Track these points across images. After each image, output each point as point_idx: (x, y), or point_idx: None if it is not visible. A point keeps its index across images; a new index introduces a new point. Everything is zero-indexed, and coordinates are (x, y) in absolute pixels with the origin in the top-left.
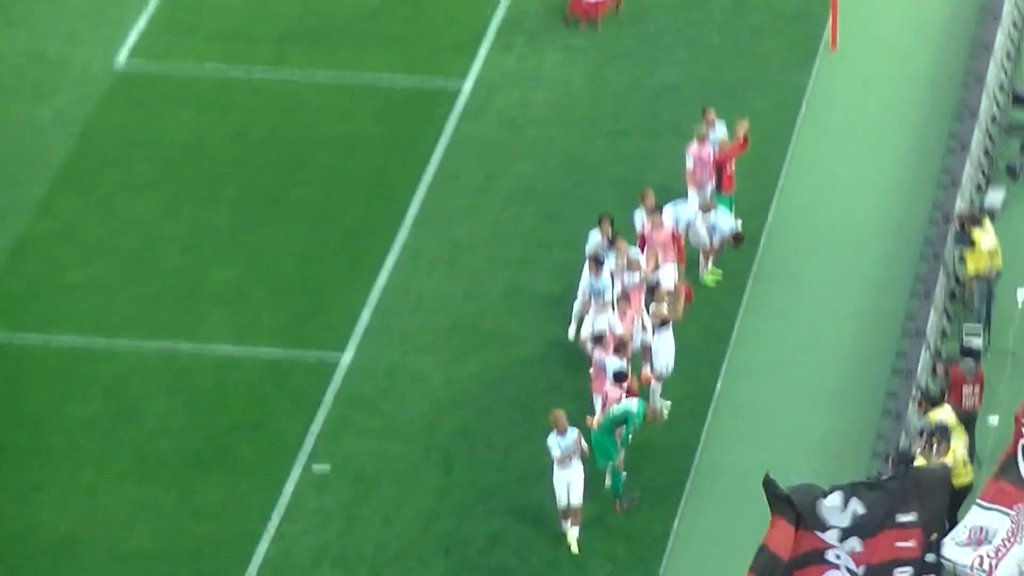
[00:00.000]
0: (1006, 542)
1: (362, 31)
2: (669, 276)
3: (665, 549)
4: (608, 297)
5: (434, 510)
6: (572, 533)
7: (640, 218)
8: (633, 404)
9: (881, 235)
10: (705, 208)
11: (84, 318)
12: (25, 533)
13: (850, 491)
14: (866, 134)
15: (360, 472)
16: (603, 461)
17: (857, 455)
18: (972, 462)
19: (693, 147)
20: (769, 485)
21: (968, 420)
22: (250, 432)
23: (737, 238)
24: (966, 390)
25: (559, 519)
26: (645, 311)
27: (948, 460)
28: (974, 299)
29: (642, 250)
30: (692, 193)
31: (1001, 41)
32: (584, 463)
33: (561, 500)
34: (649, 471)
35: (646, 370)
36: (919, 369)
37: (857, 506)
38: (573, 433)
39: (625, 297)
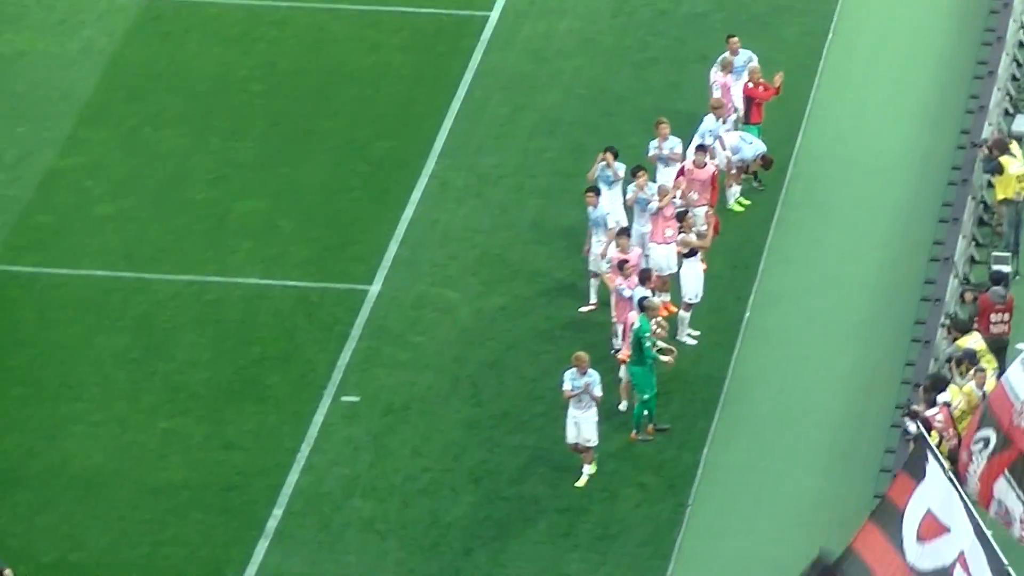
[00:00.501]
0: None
1: None
2: (700, 216)
3: (694, 478)
4: (610, 225)
5: (463, 441)
6: (585, 470)
7: (654, 147)
8: (636, 320)
9: (909, 162)
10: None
11: (113, 251)
12: (56, 466)
13: None
14: (894, 61)
15: (389, 403)
16: (643, 391)
17: (887, 383)
18: None
19: (718, 75)
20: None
21: (998, 347)
22: (279, 364)
23: (766, 161)
24: (995, 317)
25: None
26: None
27: (977, 388)
28: (1003, 225)
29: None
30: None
31: None
32: (599, 407)
33: (569, 436)
34: (678, 401)
35: (665, 299)
36: (947, 296)
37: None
38: (592, 376)
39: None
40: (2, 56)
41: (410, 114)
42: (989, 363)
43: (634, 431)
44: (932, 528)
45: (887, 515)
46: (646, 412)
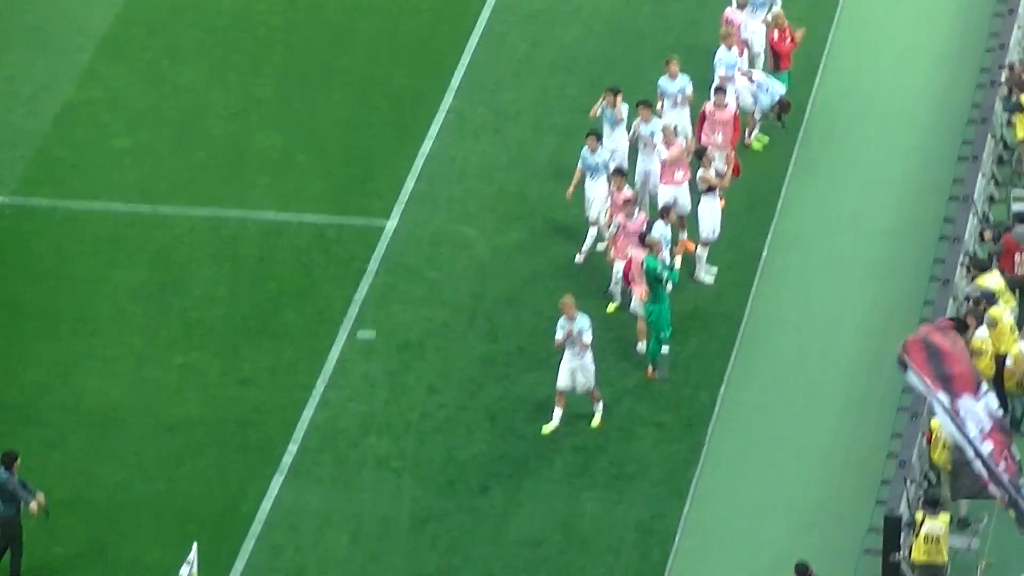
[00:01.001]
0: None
1: None
2: (721, 160)
3: (712, 416)
4: (604, 174)
5: (480, 378)
6: (596, 408)
7: (664, 85)
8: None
9: (928, 101)
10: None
11: (130, 185)
12: (71, 402)
13: None
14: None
15: (405, 339)
16: (659, 329)
17: (905, 323)
18: (1021, 329)
19: (734, 13)
20: None
21: (1021, 287)
22: (296, 299)
23: (783, 106)
24: (1019, 257)
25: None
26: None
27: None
28: (1022, 164)
29: (700, 127)
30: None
31: None
32: (592, 351)
33: (560, 382)
34: (696, 339)
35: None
36: (967, 235)
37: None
38: (580, 321)
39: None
40: None
41: (429, 49)
42: (1007, 302)
43: (650, 368)
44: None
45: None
46: (651, 351)
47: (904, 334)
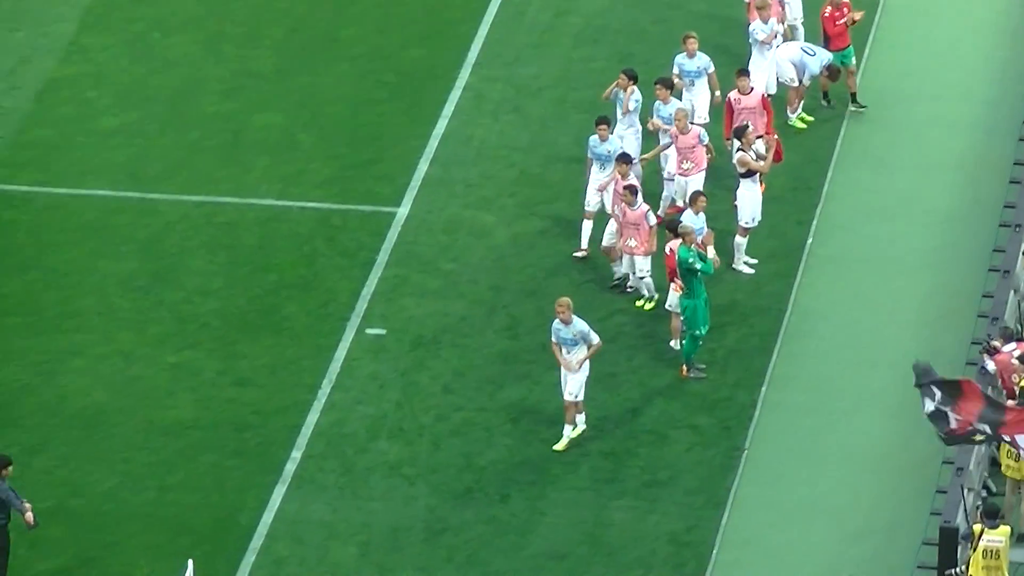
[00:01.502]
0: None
1: None
2: (760, 147)
3: (751, 418)
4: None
5: (499, 377)
6: (566, 431)
7: (681, 63)
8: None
9: (986, 74)
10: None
11: (118, 168)
12: (55, 403)
13: None
14: None
15: (418, 335)
16: (694, 326)
17: (961, 316)
18: None
19: None
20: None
21: None
22: (299, 292)
23: (832, 72)
24: None
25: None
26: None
27: None
28: None
29: (728, 119)
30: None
31: None
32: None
33: (565, 393)
34: (734, 334)
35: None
36: None
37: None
38: (577, 325)
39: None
40: None
41: (443, 19)
42: None
43: (684, 367)
44: None
45: None
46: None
47: (960, 328)
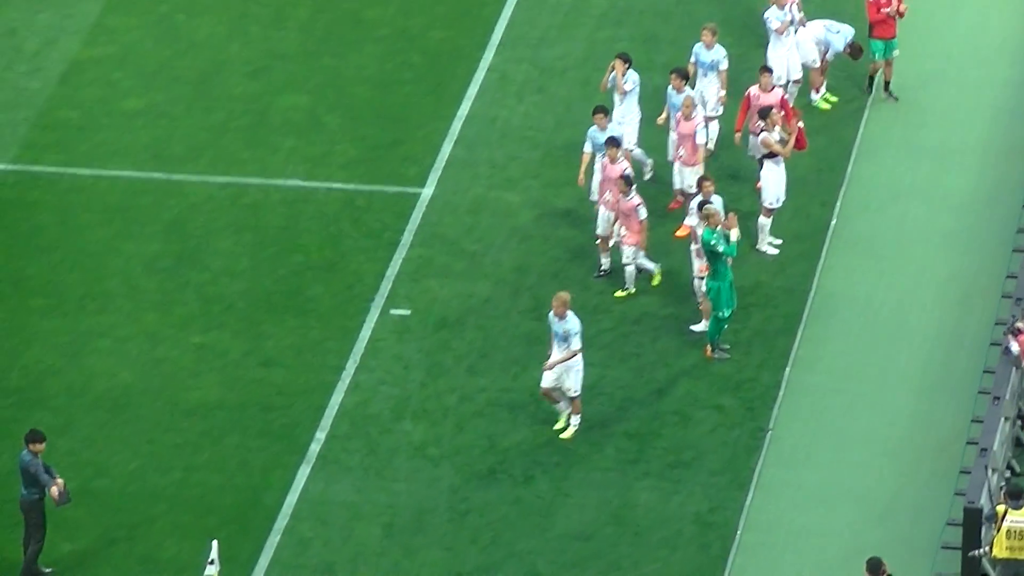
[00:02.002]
0: None
1: None
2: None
3: (775, 400)
4: (625, 145)
5: (523, 359)
6: (572, 421)
7: (698, 53)
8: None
9: (1012, 55)
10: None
11: (142, 150)
12: (80, 384)
13: None
14: None
15: (442, 316)
16: (719, 307)
17: (986, 297)
18: None
19: None
20: None
21: None
22: (324, 273)
23: (854, 49)
24: None
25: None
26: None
27: None
28: None
29: (744, 111)
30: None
31: None
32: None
33: (544, 380)
34: (758, 316)
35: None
36: None
37: None
38: (569, 322)
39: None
40: None
41: (468, 1)
42: None
43: (708, 348)
44: None
45: None
46: (711, 329)
47: (985, 309)
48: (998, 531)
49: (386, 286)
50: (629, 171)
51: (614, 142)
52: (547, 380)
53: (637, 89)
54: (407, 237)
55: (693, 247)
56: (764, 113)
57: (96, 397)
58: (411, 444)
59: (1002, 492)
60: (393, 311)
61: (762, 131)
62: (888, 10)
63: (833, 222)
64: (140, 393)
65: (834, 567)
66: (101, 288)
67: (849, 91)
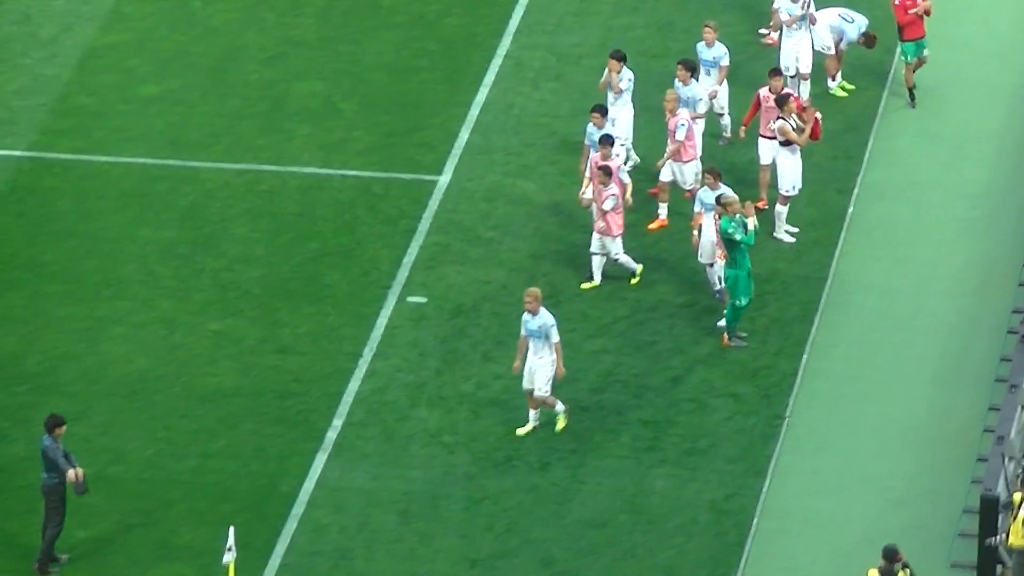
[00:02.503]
0: None
1: None
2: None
3: (792, 388)
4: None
5: None
6: (531, 416)
7: (699, 51)
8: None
9: None
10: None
11: (159, 136)
12: (96, 370)
13: None
14: None
15: (458, 304)
16: (737, 295)
17: (1003, 285)
18: None
19: None
20: None
21: None
22: (340, 260)
23: (869, 39)
24: None
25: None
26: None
27: None
28: None
29: (753, 112)
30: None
31: None
32: (560, 354)
33: (524, 382)
34: (775, 303)
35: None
36: None
37: None
38: (543, 317)
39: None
40: None
41: None
42: None
43: (725, 335)
44: None
45: None
46: (728, 317)
47: (1002, 297)
48: (1015, 519)
49: (402, 273)
50: (609, 162)
51: (608, 140)
52: (526, 381)
53: (631, 87)
54: (423, 224)
55: (697, 234)
56: (782, 101)
57: (112, 383)
58: (427, 431)
59: (1019, 480)
60: (409, 298)
61: (779, 119)
62: (915, 11)
63: (850, 209)
64: (156, 379)
65: (850, 554)
66: (117, 274)
67: (865, 79)
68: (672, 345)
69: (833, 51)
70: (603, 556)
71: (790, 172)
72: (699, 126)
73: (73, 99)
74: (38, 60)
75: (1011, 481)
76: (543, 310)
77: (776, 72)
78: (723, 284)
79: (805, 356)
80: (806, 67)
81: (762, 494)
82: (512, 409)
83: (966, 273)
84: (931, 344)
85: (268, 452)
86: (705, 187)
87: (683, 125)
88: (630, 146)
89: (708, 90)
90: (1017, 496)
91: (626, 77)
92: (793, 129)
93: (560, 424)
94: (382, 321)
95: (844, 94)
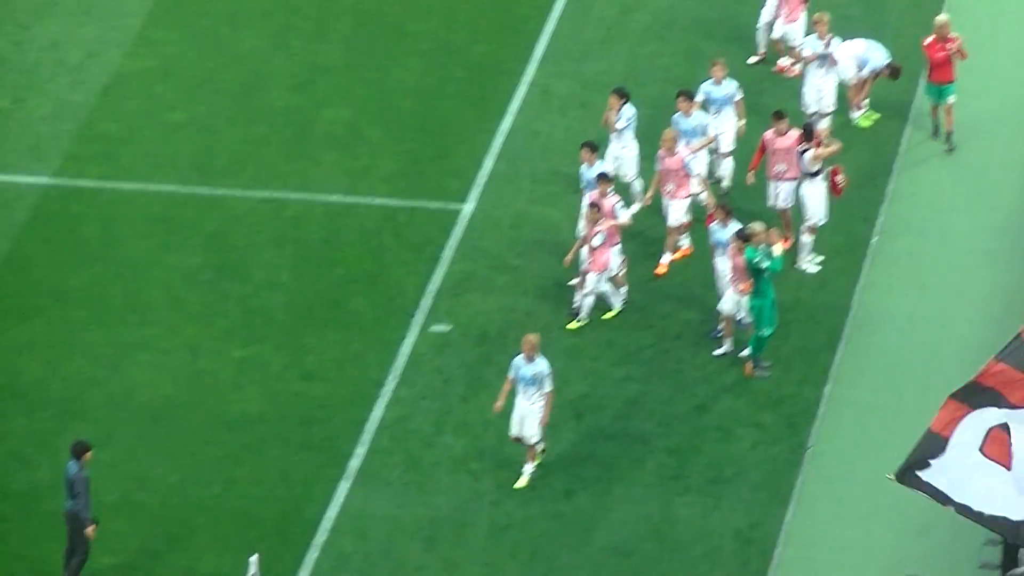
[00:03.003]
0: None
1: None
2: (786, 191)
3: (816, 416)
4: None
5: (565, 373)
6: (526, 469)
7: (708, 90)
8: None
9: None
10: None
11: (185, 162)
12: (121, 396)
13: None
14: None
15: (484, 331)
16: (761, 326)
17: None
18: None
19: None
20: None
21: None
22: (365, 287)
23: (893, 70)
24: None
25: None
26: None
27: None
28: None
29: (759, 156)
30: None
31: None
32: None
33: (512, 428)
34: (799, 332)
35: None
36: None
37: None
38: (540, 364)
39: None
40: None
41: (510, 14)
42: None
43: (749, 365)
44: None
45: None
46: (752, 347)
47: None
48: None
49: (427, 300)
50: (607, 170)
51: (604, 178)
52: (514, 428)
53: (633, 123)
54: (448, 251)
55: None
56: (808, 132)
57: (137, 409)
58: (452, 458)
59: None
60: (434, 326)
61: (806, 150)
62: (951, 47)
63: (874, 238)
64: (181, 405)
65: None
66: (143, 300)
67: (889, 108)
68: (697, 373)
69: (855, 81)
70: None
71: (816, 202)
72: (701, 158)
73: (99, 125)
74: (64, 86)
75: None
76: (540, 358)
77: (779, 115)
78: (748, 314)
79: (829, 384)
80: (828, 106)
81: (786, 522)
82: None
83: (991, 302)
84: (955, 373)
85: (293, 478)
86: (715, 224)
87: (694, 158)
88: (640, 188)
89: (724, 129)
90: None
91: (624, 116)
92: (821, 147)
93: (521, 481)
94: (406, 348)
95: (868, 123)
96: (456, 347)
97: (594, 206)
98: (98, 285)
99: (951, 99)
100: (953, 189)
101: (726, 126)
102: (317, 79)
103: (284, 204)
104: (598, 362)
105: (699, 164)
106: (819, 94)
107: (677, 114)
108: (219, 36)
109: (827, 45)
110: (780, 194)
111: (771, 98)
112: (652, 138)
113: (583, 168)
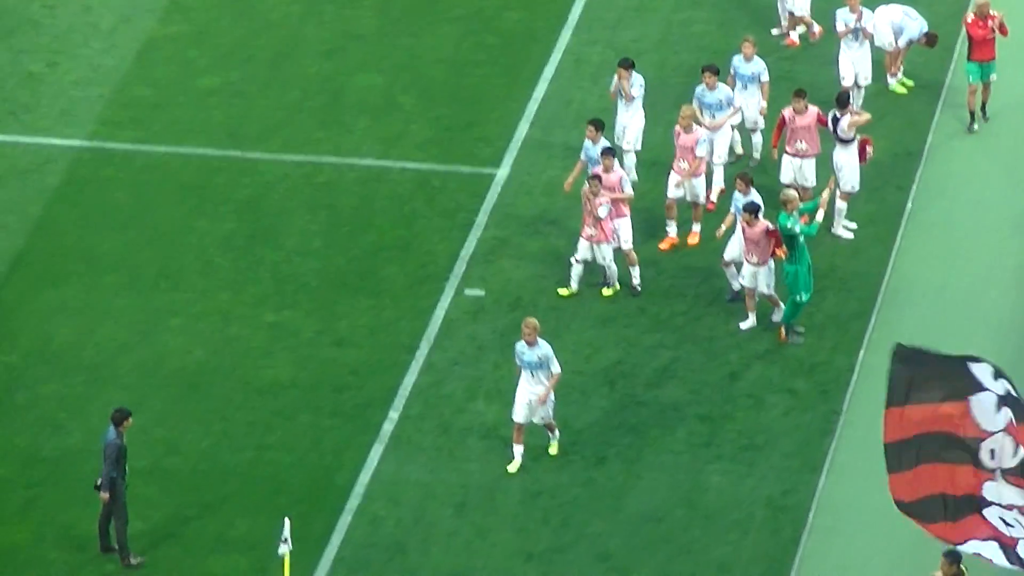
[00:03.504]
0: None
1: None
2: (808, 168)
3: (849, 384)
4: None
5: (597, 340)
6: (552, 435)
7: (736, 65)
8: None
9: None
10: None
11: (217, 128)
12: (152, 362)
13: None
14: None
15: (516, 297)
16: (796, 291)
17: None
18: None
19: None
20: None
21: None
22: (398, 253)
23: (930, 39)
24: None
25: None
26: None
27: None
28: None
29: (777, 134)
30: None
31: None
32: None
33: (515, 414)
34: (833, 299)
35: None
36: None
37: (1008, 385)
38: (542, 347)
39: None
40: None
41: None
42: None
43: (783, 331)
44: None
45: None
46: (787, 312)
47: None
48: None
49: (460, 266)
50: (611, 174)
51: (610, 152)
52: (518, 414)
53: (642, 92)
54: (481, 217)
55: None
56: (843, 100)
57: (168, 375)
58: (484, 425)
59: None
60: (467, 291)
61: (839, 118)
62: (992, 24)
63: (909, 206)
64: (213, 371)
65: (905, 550)
66: (175, 266)
67: (924, 75)
68: (729, 340)
69: (893, 47)
70: (659, 551)
71: (850, 170)
72: (725, 134)
73: (132, 90)
74: (97, 51)
75: None
76: (541, 341)
77: (800, 93)
78: (773, 284)
79: (862, 352)
80: (864, 79)
81: (818, 490)
82: (569, 404)
83: (1023, 270)
84: (988, 341)
85: (324, 445)
86: (737, 192)
87: (704, 141)
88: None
89: (749, 105)
90: None
91: (637, 83)
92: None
93: (553, 449)
94: (439, 314)
95: (904, 90)
96: (489, 313)
97: (595, 178)
98: (130, 250)
99: (992, 76)
100: (987, 157)
101: (752, 103)
102: (350, 46)
103: (317, 170)
104: (630, 329)
105: (722, 140)
106: (854, 67)
107: (700, 87)
108: (252, 2)
109: (859, 19)
110: (803, 172)
111: (804, 66)
112: (686, 101)
113: (587, 144)
